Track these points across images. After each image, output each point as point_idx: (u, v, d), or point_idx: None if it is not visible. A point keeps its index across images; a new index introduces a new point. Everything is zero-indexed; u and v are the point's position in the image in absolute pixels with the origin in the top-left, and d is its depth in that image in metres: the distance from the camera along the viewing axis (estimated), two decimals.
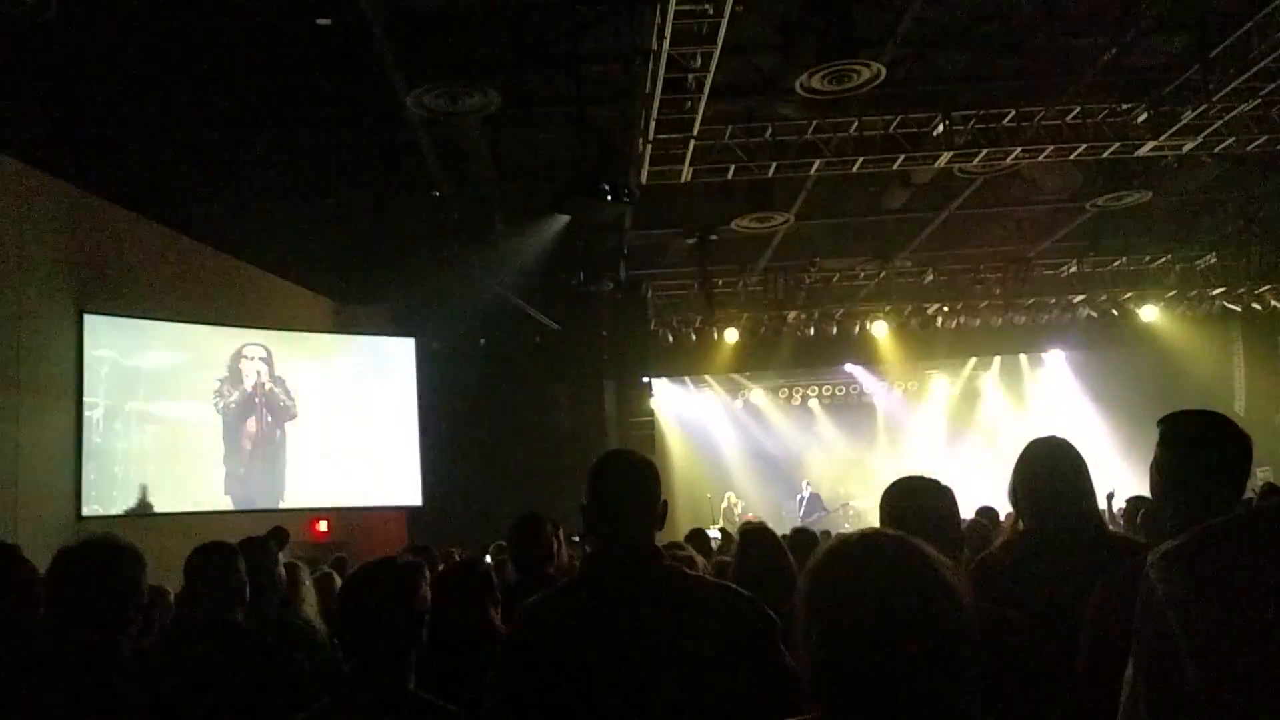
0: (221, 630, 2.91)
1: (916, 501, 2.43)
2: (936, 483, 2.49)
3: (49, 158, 9.32)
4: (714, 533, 9.53)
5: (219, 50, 9.11)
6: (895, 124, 10.43)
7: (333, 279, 13.29)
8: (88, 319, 9.98)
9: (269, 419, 11.94)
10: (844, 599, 1.34)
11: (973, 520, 6.25)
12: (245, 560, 3.08)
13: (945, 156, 10.48)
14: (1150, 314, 16.78)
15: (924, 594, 1.31)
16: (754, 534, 4.02)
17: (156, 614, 4.25)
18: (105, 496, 9.92)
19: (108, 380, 10.16)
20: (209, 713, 2.39)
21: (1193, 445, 2.33)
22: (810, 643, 1.38)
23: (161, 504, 10.36)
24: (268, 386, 11.95)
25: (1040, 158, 10.72)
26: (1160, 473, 2.36)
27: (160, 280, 10.94)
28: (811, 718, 1.40)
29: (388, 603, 2.32)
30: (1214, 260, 15.74)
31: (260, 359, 11.89)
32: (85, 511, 9.65)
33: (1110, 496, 8.20)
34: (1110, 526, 3.56)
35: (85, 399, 9.88)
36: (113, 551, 2.29)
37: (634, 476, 2.32)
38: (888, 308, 16.23)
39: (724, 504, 17.04)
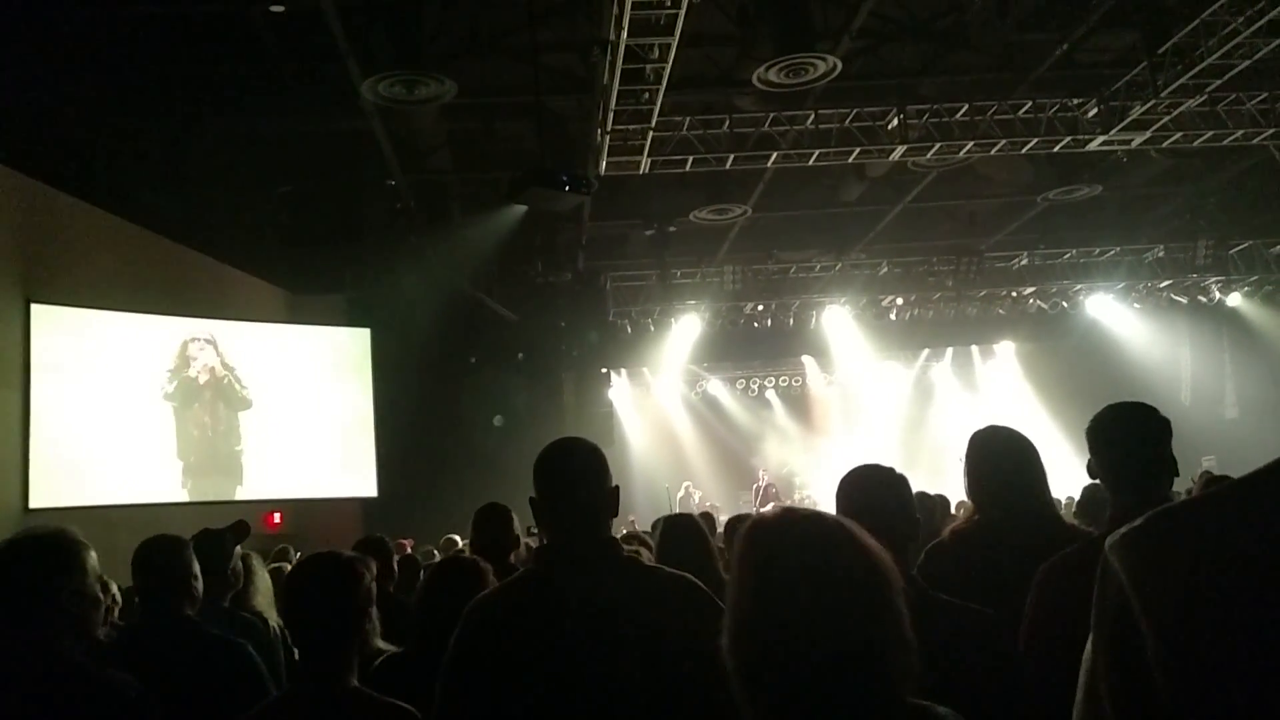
0: (171, 625, 2.87)
1: (871, 491, 2.43)
2: (891, 471, 2.48)
3: None
4: None
5: (171, 36, 8.98)
6: (851, 118, 10.51)
7: (286, 269, 13.11)
8: (35, 308, 9.78)
9: (222, 409, 11.79)
10: (770, 566, 1.35)
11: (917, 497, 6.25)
12: (198, 552, 3.04)
13: (899, 150, 10.57)
14: (1099, 306, 17.05)
15: (849, 570, 1.33)
16: (673, 520, 4.15)
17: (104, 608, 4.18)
18: (54, 488, 9.73)
19: (56, 370, 9.96)
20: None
21: (1113, 443, 2.44)
22: (736, 612, 1.38)
23: (112, 496, 10.17)
24: (221, 377, 11.79)
25: (992, 152, 10.84)
26: (1098, 473, 2.46)
27: (109, 269, 10.73)
28: None
29: (328, 596, 2.27)
30: (1162, 253, 16.00)
31: (210, 346, 11.72)
32: (33, 504, 9.48)
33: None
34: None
35: (32, 389, 9.69)
36: (44, 542, 2.12)
37: (579, 464, 2.25)
38: (843, 299, 16.37)
39: (681, 493, 17.06)
